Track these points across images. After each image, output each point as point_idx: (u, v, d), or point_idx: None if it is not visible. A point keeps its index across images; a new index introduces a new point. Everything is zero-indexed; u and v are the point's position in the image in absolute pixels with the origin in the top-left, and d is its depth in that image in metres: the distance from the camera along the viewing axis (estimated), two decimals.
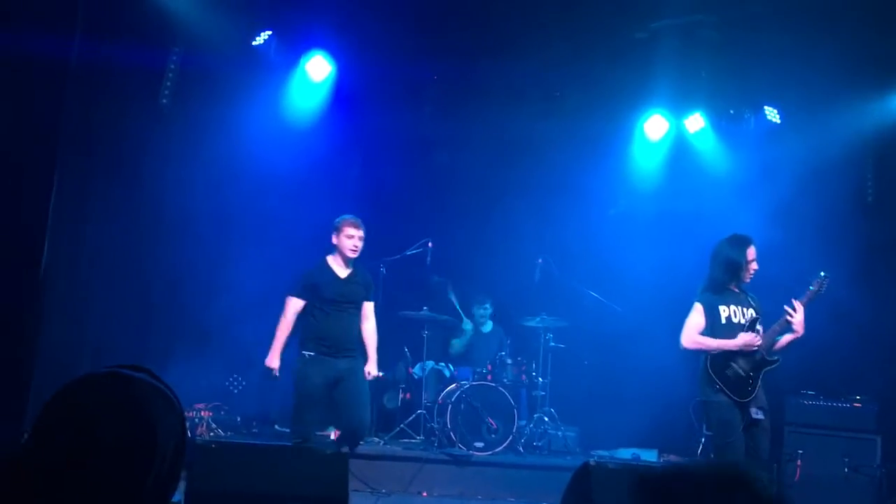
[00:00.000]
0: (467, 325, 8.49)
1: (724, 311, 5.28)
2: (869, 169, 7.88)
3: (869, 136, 7.69)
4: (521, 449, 7.54)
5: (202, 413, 7.20)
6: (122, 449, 0.95)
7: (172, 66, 7.49)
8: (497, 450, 7.34)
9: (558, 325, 8.10)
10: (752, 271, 5.32)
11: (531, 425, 7.83)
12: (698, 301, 5.36)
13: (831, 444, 6.97)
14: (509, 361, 7.95)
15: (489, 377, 7.75)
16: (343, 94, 8.17)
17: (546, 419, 7.87)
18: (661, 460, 7.70)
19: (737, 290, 5.35)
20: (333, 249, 5.86)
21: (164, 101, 7.58)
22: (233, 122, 7.73)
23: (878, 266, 7.47)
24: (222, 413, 7.56)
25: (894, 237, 7.63)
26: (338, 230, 5.80)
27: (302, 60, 8.00)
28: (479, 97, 8.31)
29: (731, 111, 8.34)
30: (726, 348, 5.16)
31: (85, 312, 7.15)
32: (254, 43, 7.66)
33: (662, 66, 7.72)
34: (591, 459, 4.91)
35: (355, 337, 5.93)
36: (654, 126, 8.59)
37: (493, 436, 7.40)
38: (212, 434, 7.05)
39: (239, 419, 7.75)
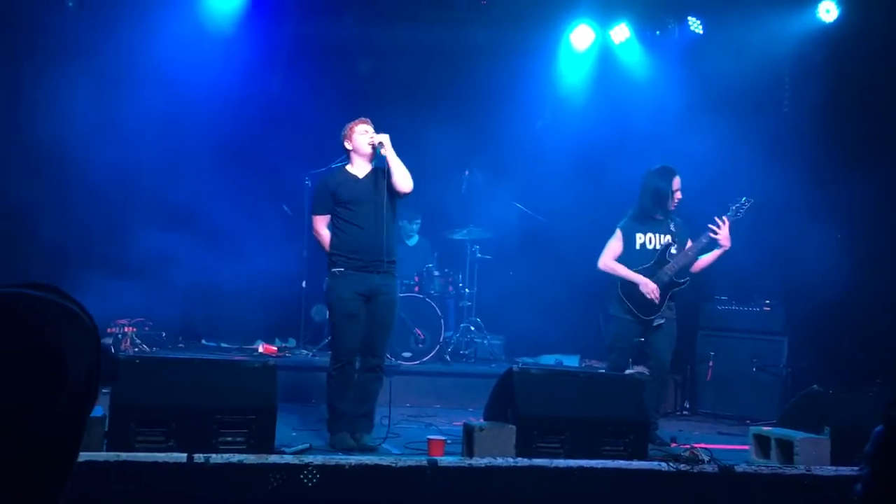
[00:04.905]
0: None
1: (640, 238, 5.80)
2: (786, 79, 8.04)
3: (787, 47, 7.82)
4: (448, 358, 7.71)
5: (125, 329, 7.05)
6: (26, 370, 0.91)
7: None
8: (424, 359, 7.48)
9: (484, 237, 8.18)
10: (676, 200, 5.79)
11: (458, 335, 7.98)
12: (619, 227, 5.87)
13: (741, 346, 7.35)
14: (436, 273, 8.01)
15: (416, 289, 7.83)
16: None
17: (472, 328, 8.03)
18: (583, 365, 7.99)
19: (661, 218, 5.82)
20: (347, 159, 5.37)
21: (71, 3, 7.15)
22: (146, 28, 7.36)
23: (792, 176, 7.71)
24: (147, 329, 7.43)
25: (807, 146, 7.87)
26: (347, 136, 5.26)
27: None
28: (403, 4, 8.08)
29: (657, 21, 8.33)
30: (630, 280, 5.73)
31: None
32: None
33: None
34: (515, 366, 5.04)
35: (391, 247, 5.18)
36: (581, 36, 8.53)
37: (420, 346, 7.53)
38: (136, 350, 6.94)
39: (164, 335, 7.66)
